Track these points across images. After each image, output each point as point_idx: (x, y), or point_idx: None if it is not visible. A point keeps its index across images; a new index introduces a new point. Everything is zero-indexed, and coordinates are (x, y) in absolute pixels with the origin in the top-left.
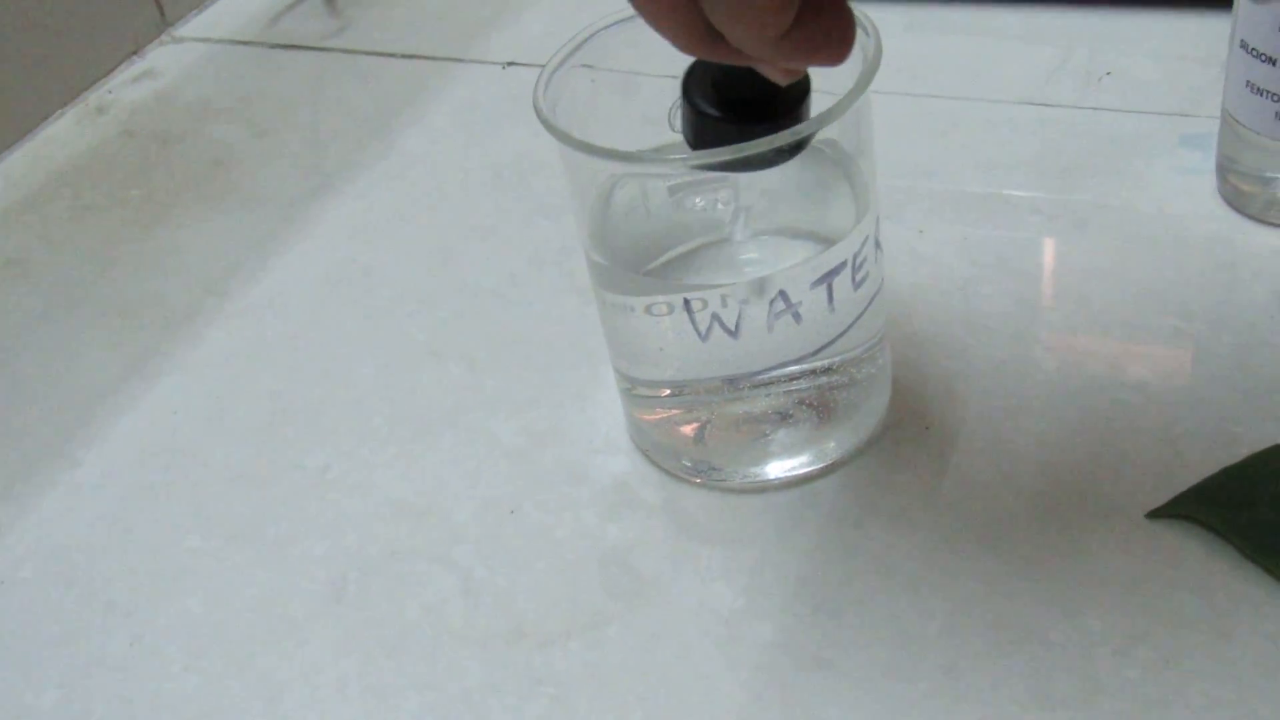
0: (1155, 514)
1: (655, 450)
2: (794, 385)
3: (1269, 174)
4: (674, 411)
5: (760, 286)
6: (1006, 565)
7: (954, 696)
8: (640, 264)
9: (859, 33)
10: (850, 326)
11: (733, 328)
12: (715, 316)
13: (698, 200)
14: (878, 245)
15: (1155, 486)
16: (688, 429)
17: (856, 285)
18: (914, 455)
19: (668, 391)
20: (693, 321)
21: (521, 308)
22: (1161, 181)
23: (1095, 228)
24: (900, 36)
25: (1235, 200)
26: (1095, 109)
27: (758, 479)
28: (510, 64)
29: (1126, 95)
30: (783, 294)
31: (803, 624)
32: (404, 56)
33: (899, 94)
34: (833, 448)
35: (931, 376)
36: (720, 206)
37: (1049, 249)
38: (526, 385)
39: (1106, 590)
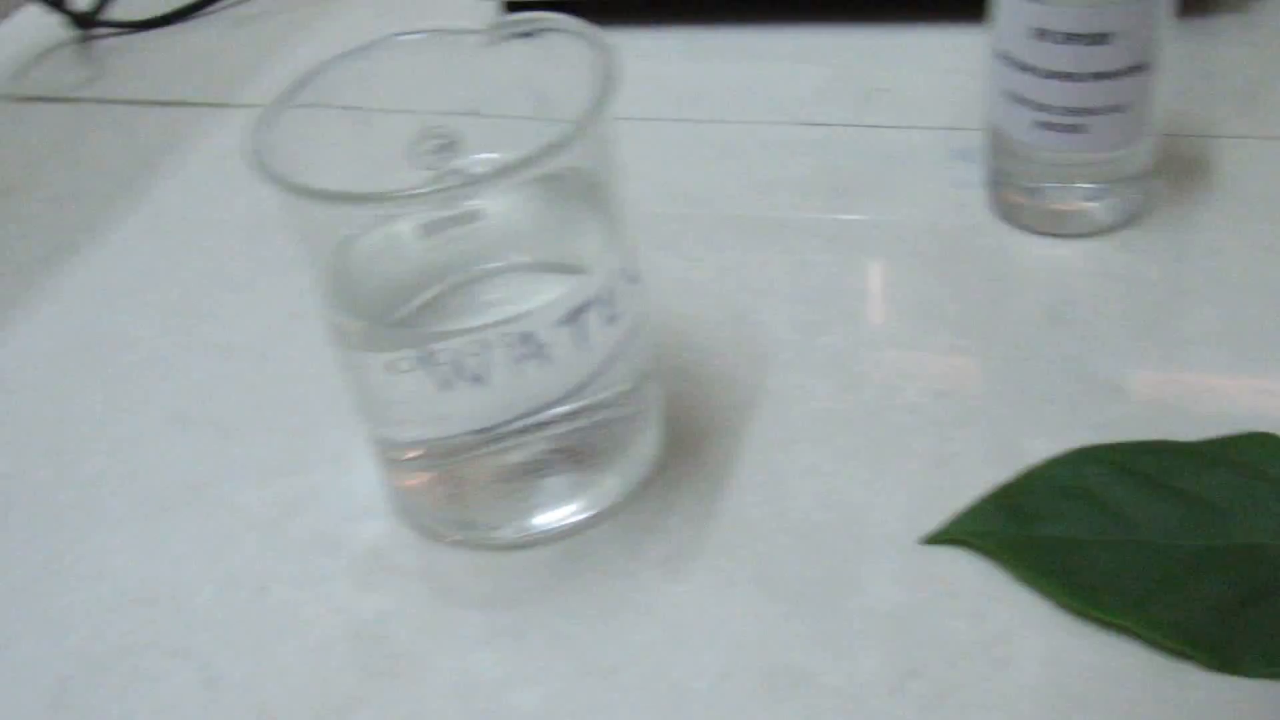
0: (930, 540)
1: (413, 512)
2: (552, 431)
3: (1035, 185)
4: (427, 472)
5: (506, 328)
6: (780, 607)
7: None
8: (382, 316)
9: (591, 53)
10: (607, 365)
11: (478, 374)
12: (458, 364)
13: (447, 238)
14: (633, 278)
15: (930, 511)
16: (443, 489)
17: (610, 321)
18: (685, 496)
19: (417, 453)
20: (435, 372)
21: (276, 366)
22: (934, 197)
23: (869, 247)
24: (677, 62)
25: (1006, 213)
26: (869, 126)
27: (523, 534)
28: (320, 105)
29: (899, 111)
30: (528, 335)
31: (570, 688)
32: (163, 104)
33: (674, 120)
34: (601, 494)
35: (705, 411)
36: (469, 243)
37: (824, 271)
38: (279, 450)
39: (881, 625)
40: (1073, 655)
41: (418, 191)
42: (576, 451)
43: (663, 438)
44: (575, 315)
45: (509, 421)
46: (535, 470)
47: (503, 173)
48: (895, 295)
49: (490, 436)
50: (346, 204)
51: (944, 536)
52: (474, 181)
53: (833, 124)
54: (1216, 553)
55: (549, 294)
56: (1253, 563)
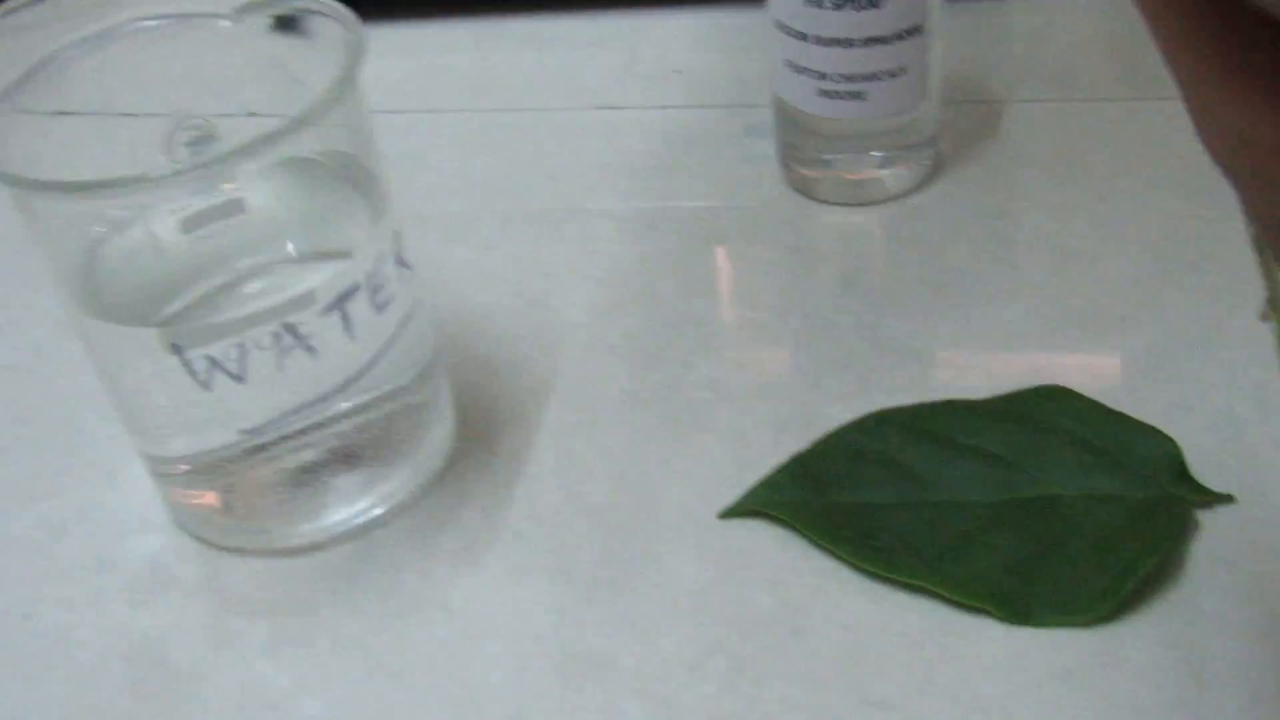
0: (727, 513)
1: (192, 524)
2: (332, 430)
3: (826, 156)
4: (202, 485)
5: (265, 321)
6: (576, 592)
7: None
8: (143, 319)
9: (337, 29)
10: (381, 355)
11: (239, 372)
12: (217, 362)
13: (209, 232)
14: (403, 264)
15: (729, 485)
16: (220, 500)
17: (379, 309)
18: (479, 487)
19: (187, 467)
20: (194, 372)
21: (46, 382)
22: (729, 174)
23: (665, 227)
24: (468, 53)
25: (799, 185)
26: (664, 108)
27: (310, 538)
28: (60, 113)
29: (692, 92)
30: (290, 326)
31: (358, 693)
32: None
33: (465, 110)
34: (390, 491)
35: (500, 399)
36: (233, 237)
37: (619, 254)
38: (49, 469)
39: (679, 603)
40: (871, 619)
41: (153, 175)
42: (360, 450)
43: (455, 430)
44: (340, 303)
45: (278, 421)
46: (317, 473)
47: (245, 151)
48: (691, 274)
49: (263, 442)
50: (82, 194)
51: (741, 509)
52: (216, 162)
53: (627, 107)
54: (1010, 507)
55: (310, 282)
56: (1046, 514)
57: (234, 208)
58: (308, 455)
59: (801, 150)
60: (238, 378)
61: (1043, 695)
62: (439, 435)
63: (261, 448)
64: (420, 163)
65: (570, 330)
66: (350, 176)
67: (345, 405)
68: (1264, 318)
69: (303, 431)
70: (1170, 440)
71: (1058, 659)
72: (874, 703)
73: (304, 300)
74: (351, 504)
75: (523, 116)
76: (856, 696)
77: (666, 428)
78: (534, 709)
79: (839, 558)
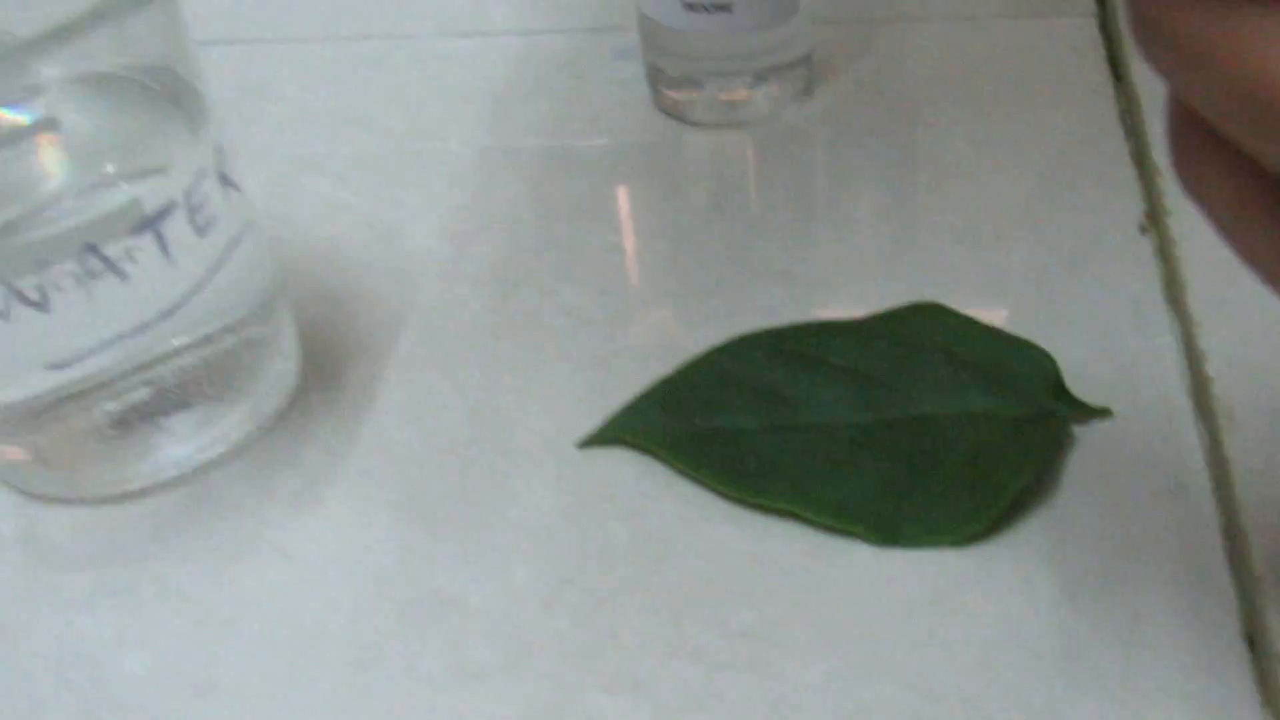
0: (586, 443)
1: (6, 473)
2: (166, 367)
3: (695, 77)
4: (12, 442)
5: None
6: (425, 530)
7: (363, 690)
8: None
9: None
10: (205, 283)
11: (40, 300)
12: (13, 289)
13: (17, 153)
14: (228, 183)
15: (590, 414)
16: (28, 452)
17: (200, 231)
18: (323, 424)
19: None
20: None
21: None
22: (596, 99)
23: (529, 156)
24: None
25: (669, 108)
26: (528, 34)
27: (137, 483)
28: None
29: (558, 15)
30: (92, 247)
31: (184, 645)
32: None
33: (323, 39)
34: (226, 431)
35: (348, 333)
36: (42, 159)
37: (480, 181)
38: None
39: (534, 537)
40: (736, 546)
41: None
42: (194, 388)
43: (299, 365)
44: (154, 223)
45: (90, 354)
46: (147, 414)
47: (34, 48)
48: (555, 201)
49: (81, 387)
50: None
51: (601, 437)
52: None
53: (494, 33)
54: (881, 427)
55: (119, 200)
56: (918, 434)
57: (42, 127)
58: (137, 396)
59: (670, 72)
60: (39, 306)
61: (914, 618)
62: (281, 371)
63: (81, 394)
64: (272, 94)
65: (425, 261)
66: (167, 91)
67: (176, 342)
68: (1142, 230)
69: (130, 372)
70: (1047, 355)
71: (930, 581)
72: (737, 633)
73: (111, 220)
74: (184, 445)
75: (381, 44)
76: (719, 628)
77: (525, 357)
78: (376, 654)
79: (703, 484)
